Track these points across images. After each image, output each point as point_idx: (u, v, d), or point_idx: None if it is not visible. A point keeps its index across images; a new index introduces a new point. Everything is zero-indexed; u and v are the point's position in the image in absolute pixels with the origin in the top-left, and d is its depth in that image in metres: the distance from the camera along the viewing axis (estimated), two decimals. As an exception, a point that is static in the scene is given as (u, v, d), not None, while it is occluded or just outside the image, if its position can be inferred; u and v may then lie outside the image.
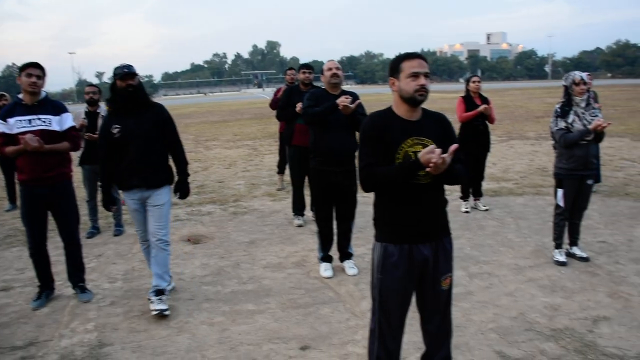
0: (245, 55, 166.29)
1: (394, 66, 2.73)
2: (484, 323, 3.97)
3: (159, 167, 4.52)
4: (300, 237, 6.46)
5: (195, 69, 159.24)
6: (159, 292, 4.48)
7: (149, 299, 4.46)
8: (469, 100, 6.94)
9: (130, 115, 4.36)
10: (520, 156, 11.85)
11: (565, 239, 5.26)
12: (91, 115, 6.69)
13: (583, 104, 4.83)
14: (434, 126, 2.76)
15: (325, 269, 5.13)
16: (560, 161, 4.99)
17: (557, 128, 4.89)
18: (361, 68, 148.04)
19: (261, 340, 3.93)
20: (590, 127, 4.70)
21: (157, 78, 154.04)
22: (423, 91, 2.64)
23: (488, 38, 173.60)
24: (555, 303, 4.26)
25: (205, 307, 4.58)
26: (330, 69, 4.88)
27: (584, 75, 4.82)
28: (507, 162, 11.12)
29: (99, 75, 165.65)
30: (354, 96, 4.83)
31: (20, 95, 4.55)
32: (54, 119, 4.54)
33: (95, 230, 7.06)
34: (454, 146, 2.56)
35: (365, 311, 4.24)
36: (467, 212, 7.12)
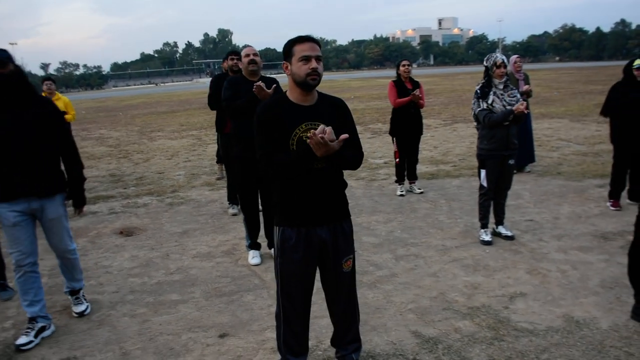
0: (197, 44, 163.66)
1: (286, 50, 2.68)
2: (404, 304, 3.99)
3: (48, 172, 3.77)
4: (233, 225, 6.37)
5: (146, 58, 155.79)
6: (74, 292, 4.30)
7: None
8: (400, 85, 6.96)
9: (5, 111, 3.57)
10: (461, 139, 12.04)
11: (492, 219, 5.35)
12: None
13: (501, 86, 4.89)
14: (330, 111, 2.73)
15: (252, 257, 5.07)
16: (482, 142, 5.05)
17: (479, 109, 4.94)
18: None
19: (181, 329, 3.86)
20: (514, 108, 4.77)
21: (106, 69, 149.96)
22: (315, 75, 2.59)
23: (440, 23, 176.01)
24: (475, 282, 4.32)
25: (129, 299, 4.48)
26: (248, 55, 4.79)
27: (505, 57, 4.88)
28: (448, 145, 11.28)
29: (44, 66, 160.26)
30: (273, 81, 4.76)
31: None
32: None
33: None
34: (343, 136, 2.54)
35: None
36: (402, 195, 7.17)
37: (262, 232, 5.23)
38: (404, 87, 6.95)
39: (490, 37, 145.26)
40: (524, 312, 3.76)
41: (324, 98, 2.78)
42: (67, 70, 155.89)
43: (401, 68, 6.97)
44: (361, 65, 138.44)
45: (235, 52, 6.37)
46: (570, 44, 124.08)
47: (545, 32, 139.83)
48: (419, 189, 7.31)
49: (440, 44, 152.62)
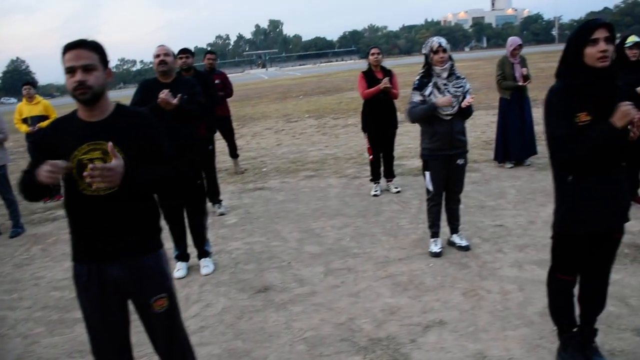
0: (248, 36, 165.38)
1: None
2: (302, 331, 3.48)
3: None
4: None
5: (199, 52, 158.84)
6: None
7: None
8: (370, 75, 6.35)
9: None
10: (474, 128, 11.15)
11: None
12: None
13: (444, 74, 4.22)
14: (124, 128, 2.27)
15: (177, 269, 4.66)
16: (424, 141, 4.41)
17: (409, 102, 4.32)
18: (364, 42, 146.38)
19: (61, 355, 3.61)
20: (437, 102, 4.14)
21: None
22: (81, 89, 2.16)
23: (493, 4, 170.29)
24: (397, 305, 3.72)
25: (35, 317, 4.29)
26: (158, 56, 4.32)
27: (443, 41, 4.20)
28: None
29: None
30: (191, 83, 4.38)
31: None
32: None
33: None
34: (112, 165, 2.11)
35: (191, 316, 3.82)
36: (375, 195, 6.56)
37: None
38: (374, 77, 6.34)
39: (546, 16, 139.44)
40: (431, 347, 3.16)
41: (120, 112, 2.32)
42: (125, 67, 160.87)
43: (370, 57, 6.37)
44: (412, 50, 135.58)
45: (186, 49, 5.94)
46: (632, 19, 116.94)
47: (606, 8, 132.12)
48: (396, 187, 6.68)
49: (494, 25, 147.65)
